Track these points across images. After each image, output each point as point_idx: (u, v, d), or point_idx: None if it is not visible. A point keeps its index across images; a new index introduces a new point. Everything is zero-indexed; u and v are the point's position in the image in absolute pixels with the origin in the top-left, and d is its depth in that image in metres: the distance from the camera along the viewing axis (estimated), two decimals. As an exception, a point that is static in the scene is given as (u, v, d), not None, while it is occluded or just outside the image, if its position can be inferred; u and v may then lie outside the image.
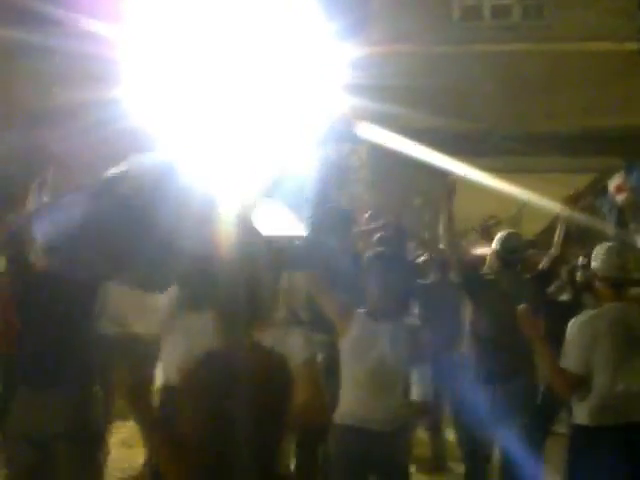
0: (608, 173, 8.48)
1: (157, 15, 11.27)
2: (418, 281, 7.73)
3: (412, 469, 7.76)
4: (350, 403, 5.02)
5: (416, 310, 7.90)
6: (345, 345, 5.08)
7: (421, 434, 8.12)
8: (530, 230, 10.58)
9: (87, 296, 4.73)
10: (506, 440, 6.23)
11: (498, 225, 12.38)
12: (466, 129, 12.05)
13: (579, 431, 4.92)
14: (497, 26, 13.18)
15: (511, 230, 6.85)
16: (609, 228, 8.14)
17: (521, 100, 12.40)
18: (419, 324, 5.29)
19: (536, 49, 12.62)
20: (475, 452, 6.46)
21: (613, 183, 8.21)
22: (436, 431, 7.79)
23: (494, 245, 6.49)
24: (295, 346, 4.06)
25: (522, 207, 11.15)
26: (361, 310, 5.11)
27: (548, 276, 6.43)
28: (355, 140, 11.77)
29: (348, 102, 11.56)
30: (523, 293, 6.07)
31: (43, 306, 4.61)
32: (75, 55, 10.97)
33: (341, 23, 11.81)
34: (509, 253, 6.35)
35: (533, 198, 9.86)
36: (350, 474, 5.01)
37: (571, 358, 4.83)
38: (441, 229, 6.63)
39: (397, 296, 5.13)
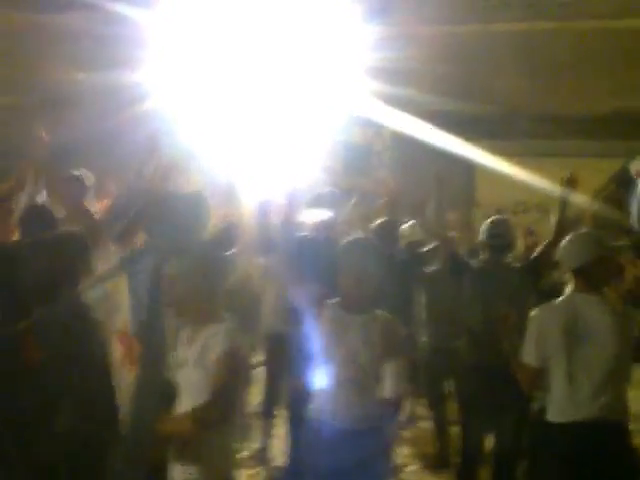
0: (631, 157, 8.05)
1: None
2: (422, 269, 7.53)
3: (417, 466, 7.63)
4: (321, 398, 4.80)
5: (422, 298, 7.74)
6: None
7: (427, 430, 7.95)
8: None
9: None
10: (503, 433, 6.01)
11: (526, 212, 12.10)
12: (490, 111, 11.71)
13: (542, 426, 4.74)
14: (522, 4, 12.74)
15: (497, 216, 6.58)
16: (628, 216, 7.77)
17: (547, 81, 11.97)
18: (392, 317, 4.97)
19: (562, 27, 12.16)
20: (472, 449, 6.20)
21: (635, 166, 7.79)
22: (441, 427, 7.52)
23: (480, 233, 6.21)
24: (218, 340, 3.93)
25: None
26: (333, 301, 4.85)
27: (541, 264, 6.08)
28: (379, 124, 11.53)
29: (371, 85, 11.34)
30: (511, 281, 5.86)
31: None
32: (101, 38, 10.89)
33: (364, 5, 11.59)
34: (494, 239, 6.07)
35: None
36: (319, 471, 4.76)
37: (527, 351, 4.71)
38: (431, 216, 6.37)
39: (371, 287, 4.84)
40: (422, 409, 8.16)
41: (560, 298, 4.81)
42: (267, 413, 7.35)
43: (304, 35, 11.29)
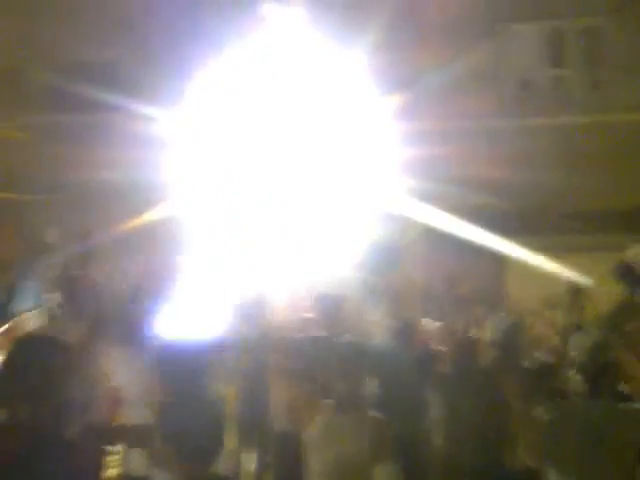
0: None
1: (208, 99, 11.46)
2: (437, 369, 7.37)
3: None
4: None
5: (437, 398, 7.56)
6: (309, 437, 4.84)
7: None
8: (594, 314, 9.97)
9: None
10: None
11: (554, 308, 11.85)
12: (522, 206, 11.61)
13: None
14: (553, 98, 12.75)
15: (504, 315, 6.47)
16: None
17: (579, 175, 11.84)
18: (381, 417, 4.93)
19: (595, 121, 12.09)
20: None
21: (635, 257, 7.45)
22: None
23: (487, 333, 6.11)
24: None
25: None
26: (327, 402, 4.84)
27: (551, 369, 5.92)
28: (408, 219, 11.52)
29: (401, 180, 11.38)
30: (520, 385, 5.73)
31: None
32: (121, 139, 11.14)
33: (394, 100, 11.71)
34: (504, 340, 5.96)
35: (592, 279, 9.25)
36: None
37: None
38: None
39: (361, 386, 4.85)
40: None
41: (569, 399, 4.75)
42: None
43: (333, 131, 11.44)
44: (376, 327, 7.68)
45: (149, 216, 9.38)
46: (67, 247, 8.15)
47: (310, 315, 6.84)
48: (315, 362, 5.54)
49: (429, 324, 8.01)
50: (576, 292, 5.94)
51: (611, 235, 11.56)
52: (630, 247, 7.20)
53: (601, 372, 4.68)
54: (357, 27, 11.48)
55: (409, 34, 12.55)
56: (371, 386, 6.12)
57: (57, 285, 6.86)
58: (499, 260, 11.53)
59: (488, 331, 6.26)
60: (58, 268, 7.22)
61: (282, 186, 10.39)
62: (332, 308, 6.65)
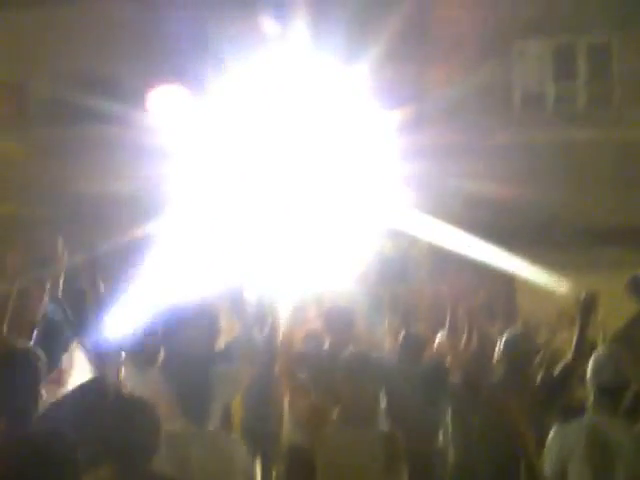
0: None
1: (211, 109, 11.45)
2: (447, 382, 7.30)
3: None
4: None
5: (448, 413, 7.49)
6: (319, 453, 4.76)
7: None
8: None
9: None
10: None
11: (568, 325, 11.76)
12: (528, 221, 11.58)
13: None
14: (561, 113, 12.73)
15: (518, 330, 6.38)
16: None
17: (586, 191, 11.83)
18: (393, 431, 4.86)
19: (602, 137, 12.07)
20: None
21: None
22: None
23: (498, 348, 6.02)
24: None
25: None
26: (335, 415, 4.77)
27: (559, 385, 5.81)
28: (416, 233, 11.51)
29: (408, 195, 11.37)
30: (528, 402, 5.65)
31: None
32: (125, 150, 11.15)
33: (401, 114, 11.72)
34: (513, 356, 5.87)
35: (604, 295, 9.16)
36: None
37: (547, 469, 4.68)
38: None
39: (369, 399, 4.75)
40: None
41: (582, 418, 4.67)
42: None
43: (338, 146, 11.44)
44: (384, 340, 7.65)
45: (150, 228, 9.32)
46: (72, 260, 8.06)
47: (318, 326, 6.81)
48: (323, 374, 5.48)
49: (439, 338, 7.96)
50: (588, 308, 5.80)
51: (620, 251, 11.54)
52: None
53: (615, 389, 4.62)
54: (364, 42, 11.49)
55: (417, 49, 12.56)
56: (381, 400, 6.06)
57: (63, 299, 6.77)
58: (509, 275, 11.48)
59: (499, 346, 6.14)
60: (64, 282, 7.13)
61: (288, 197, 10.37)
62: (342, 321, 6.60)
